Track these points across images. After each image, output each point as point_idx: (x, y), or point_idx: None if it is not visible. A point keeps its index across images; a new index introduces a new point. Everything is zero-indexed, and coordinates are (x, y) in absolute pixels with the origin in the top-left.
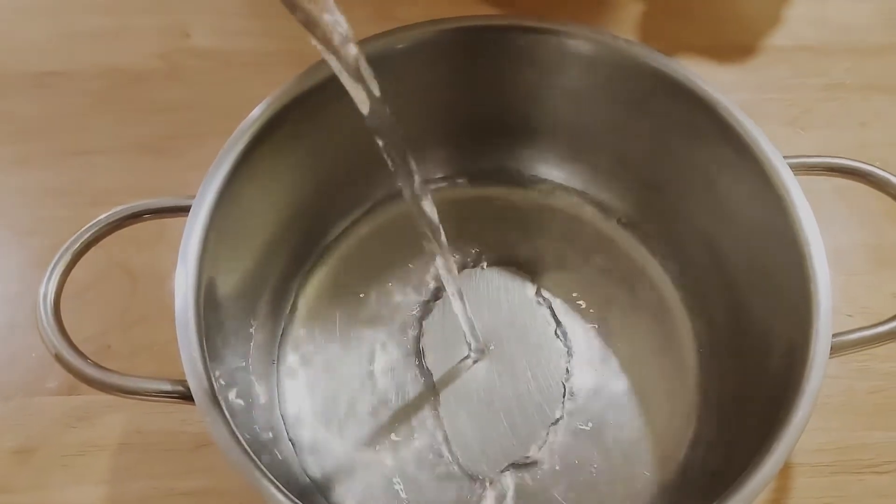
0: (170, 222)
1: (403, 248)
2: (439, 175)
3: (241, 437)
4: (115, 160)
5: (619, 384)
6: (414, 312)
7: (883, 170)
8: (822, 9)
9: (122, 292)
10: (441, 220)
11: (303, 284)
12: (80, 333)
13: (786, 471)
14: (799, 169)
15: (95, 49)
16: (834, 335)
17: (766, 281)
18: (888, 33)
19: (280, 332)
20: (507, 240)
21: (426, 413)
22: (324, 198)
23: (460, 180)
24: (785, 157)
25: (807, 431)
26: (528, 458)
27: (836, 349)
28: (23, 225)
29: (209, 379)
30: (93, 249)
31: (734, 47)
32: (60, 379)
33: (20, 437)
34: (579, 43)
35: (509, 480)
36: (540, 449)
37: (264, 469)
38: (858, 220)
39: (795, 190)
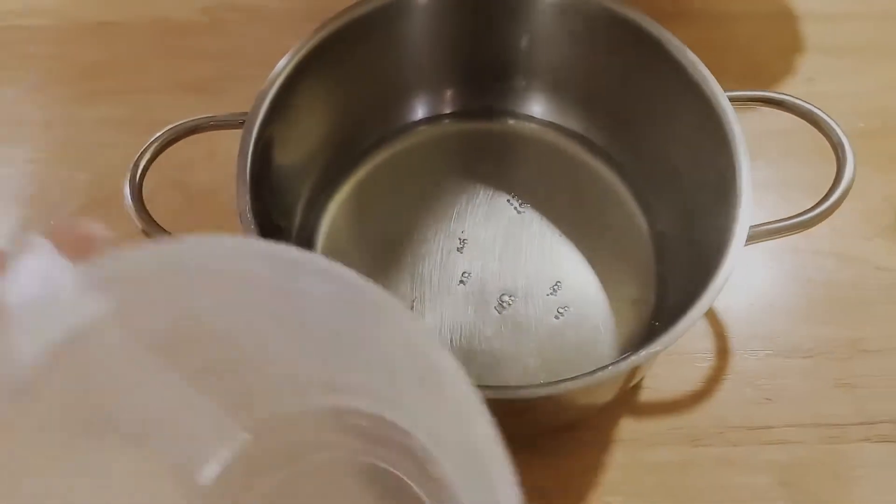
0: (218, 144)
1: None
2: (446, 111)
3: None
4: (166, 98)
5: (590, 276)
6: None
7: (803, 100)
8: None
9: (178, 203)
10: (449, 148)
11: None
12: None
13: (724, 354)
14: (735, 100)
15: (147, 2)
16: (751, 227)
17: (707, 188)
18: None
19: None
20: (499, 162)
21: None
22: (356, 119)
23: (461, 115)
24: (725, 91)
25: (750, 326)
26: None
27: (751, 237)
28: (94, 145)
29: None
30: (150, 169)
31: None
32: None
33: None
34: None
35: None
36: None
37: None
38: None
39: (732, 117)
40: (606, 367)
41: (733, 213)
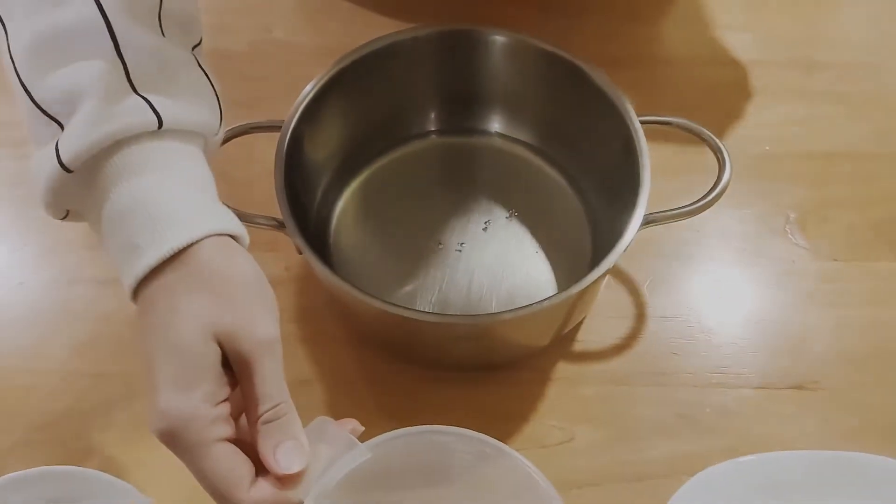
0: (255, 148)
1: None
2: (432, 128)
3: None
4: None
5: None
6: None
7: (691, 121)
8: None
9: (223, 191)
10: (433, 157)
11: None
12: None
13: (642, 318)
14: (644, 122)
15: (207, 35)
16: (648, 213)
17: (624, 184)
18: None
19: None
20: (471, 166)
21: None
22: (364, 132)
23: (443, 132)
24: (638, 114)
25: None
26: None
27: (650, 220)
28: None
29: (294, 218)
30: None
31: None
32: None
33: None
34: (504, 39)
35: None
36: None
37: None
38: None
39: (640, 132)
40: (541, 301)
41: (637, 202)
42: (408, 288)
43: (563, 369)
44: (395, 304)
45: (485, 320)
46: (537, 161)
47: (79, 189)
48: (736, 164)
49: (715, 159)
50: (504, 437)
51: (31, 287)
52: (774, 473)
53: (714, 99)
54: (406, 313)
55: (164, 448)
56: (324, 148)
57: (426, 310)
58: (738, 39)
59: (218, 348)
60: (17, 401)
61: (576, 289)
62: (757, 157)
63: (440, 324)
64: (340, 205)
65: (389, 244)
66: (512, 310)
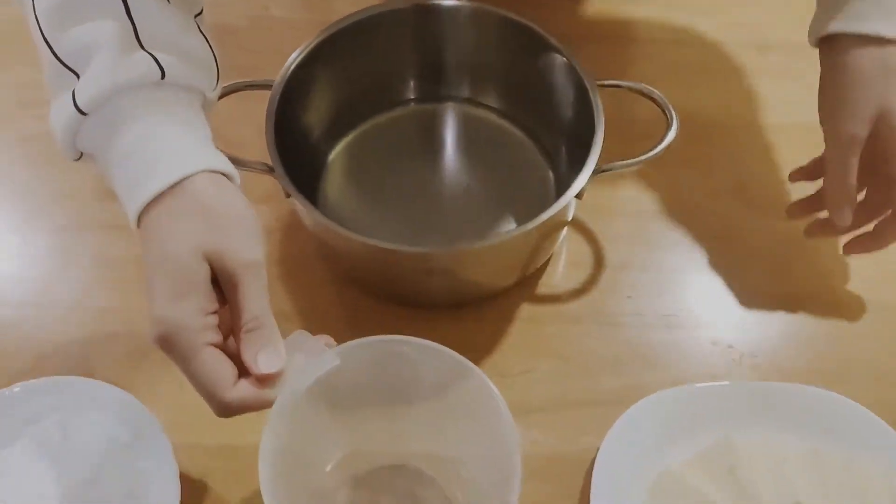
0: (250, 109)
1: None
2: (410, 96)
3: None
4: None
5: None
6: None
7: (648, 86)
8: None
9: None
10: (411, 122)
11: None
12: None
13: (600, 267)
14: (600, 85)
15: (209, 10)
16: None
17: (580, 137)
18: None
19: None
20: (444, 130)
21: None
22: (349, 97)
23: (419, 99)
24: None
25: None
26: None
27: (601, 169)
28: None
29: (284, 164)
30: None
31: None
32: None
33: None
34: (469, 9)
35: None
36: None
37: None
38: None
39: (595, 92)
40: (504, 233)
41: (591, 154)
42: (386, 234)
43: (526, 310)
44: (369, 237)
45: (452, 251)
46: (504, 123)
47: (91, 131)
48: (690, 131)
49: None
50: None
51: (46, 231)
52: (707, 401)
53: (673, 73)
54: (380, 244)
55: (160, 372)
56: (311, 108)
57: None
58: (701, 23)
59: (208, 267)
60: (27, 331)
61: (532, 224)
62: (708, 126)
63: (411, 254)
64: (328, 164)
65: (372, 198)
66: (477, 242)
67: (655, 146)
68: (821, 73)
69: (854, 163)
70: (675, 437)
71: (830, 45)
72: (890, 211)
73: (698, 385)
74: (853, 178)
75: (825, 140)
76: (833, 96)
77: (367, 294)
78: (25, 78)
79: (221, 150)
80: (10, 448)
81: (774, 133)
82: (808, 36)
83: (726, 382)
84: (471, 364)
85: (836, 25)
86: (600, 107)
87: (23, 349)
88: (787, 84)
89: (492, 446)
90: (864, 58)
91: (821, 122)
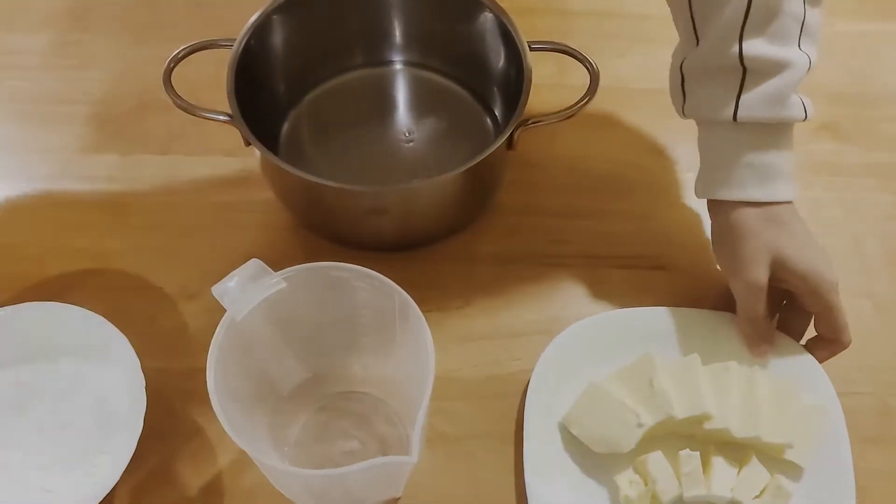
0: (217, 71)
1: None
2: (358, 62)
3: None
4: (190, 38)
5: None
6: None
7: (576, 49)
8: None
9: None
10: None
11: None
12: None
13: (531, 211)
14: (532, 48)
15: None
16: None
17: (513, 91)
18: None
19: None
20: (394, 91)
21: None
22: (303, 62)
23: (369, 64)
24: (528, 41)
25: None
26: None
27: (531, 122)
28: (150, 51)
29: (245, 116)
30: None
31: None
32: None
33: None
34: None
35: None
36: None
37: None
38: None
39: (527, 53)
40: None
41: (519, 106)
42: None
43: (465, 252)
44: (315, 177)
45: (395, 189)
46: (449, 84)
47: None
48: (621, 96)
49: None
50: None
51: (36, 179)
52: (630, 325)
53: (604, 41)
54: (330, 183)
55: (131, 304)
56: (270, 68)
57: None
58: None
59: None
60: (12, 266)
61: (465, 167)
62: (641, 91)
63: (358, 192)
64: (286, 121)
65: (326, 150)
66: (416, 182)
67: (580, 100)
68: (712, 227)
69: (762, 307)
70: (601, 357)
71: (718, 204)
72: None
73: (621, 310)
74: (764, 320)
75: (731, 288)
76: (729, 252)
77: (322, 237)
78: (11, 44)
79: (185, 102)
80: None
81: None
82: (695, 191)
83: (647, 307)
84: (395, 286)
85: (722, 192)
86: (530, 66)
87: (10, 280)
88: None
89: (420, 364)
90: (749, 215)
91: (723, 272)
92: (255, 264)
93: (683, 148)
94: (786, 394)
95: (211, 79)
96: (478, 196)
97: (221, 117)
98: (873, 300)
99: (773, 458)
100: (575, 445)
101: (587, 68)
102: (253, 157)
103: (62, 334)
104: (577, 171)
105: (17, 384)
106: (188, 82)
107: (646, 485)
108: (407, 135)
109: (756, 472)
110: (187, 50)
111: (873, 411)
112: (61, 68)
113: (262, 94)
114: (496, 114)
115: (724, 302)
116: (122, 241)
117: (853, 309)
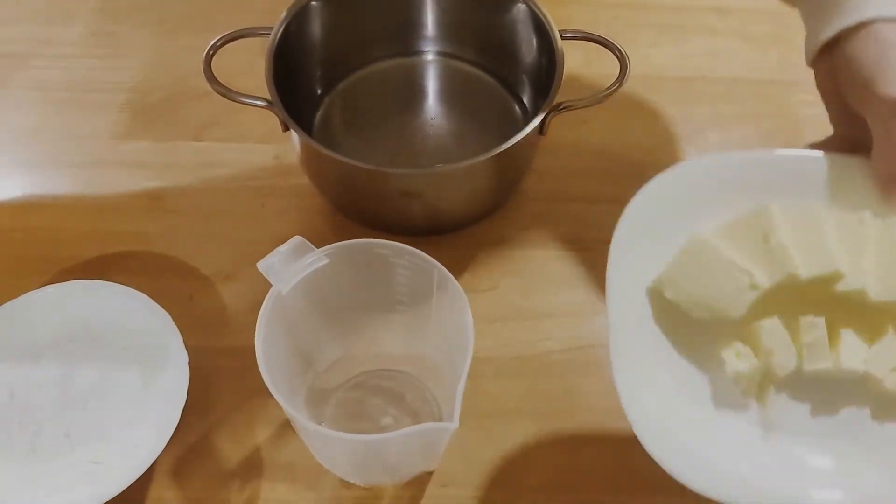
0: (256, 61)
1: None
2: (395, 52)
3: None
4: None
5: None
6: None
7: (597, 33)
8: None
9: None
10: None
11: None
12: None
13: (562, 197)
14: (563, 37)
15: None
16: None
17: (544, 81)
18: None
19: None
20: (426, 81)
21: None
22: (340, 49)
23: (409, 53)
24: (559, 30)
25: None
26: None
27: (565, 108)
28: (183, 40)
29: (282, 102)
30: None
31: None
32: None
33: None
34: None
35: None
36: None
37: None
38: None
39: (559, 42)
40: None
41: (551, 92)
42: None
43: (492, 236)
44: (349, 159)
45: (427, 172)
46: (481, 74)
47: None
48: (651, 85)
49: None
50: None
51: (72, 165)
52: (742, 172)
53: (635, 32)
54: (363, 165)
55: (170, 284)
56: (306, 56)
57: None
58: None
59: None
60: (51, 250)
61: (496, 151)
62: (671, 79)
63: (390, 175)
64: (321, 108)
65: (360, 137)
66: (448, 166)
67: (612, 86)
68: (836, 71)
69: None
70: (704, 209)
71: (844, 38)
72: None
73: (728, 154)
74: None
75: (870, 122)
76: (864, 74)
77: (355, 221)
78: (47, 34)
79: (225, 89)
80: (45, 339)
81: (725, 85)
82: (808, 49)
83: (766, 150)
84: (434, 260)
85: (852, 17)
86: (562, 51)
87: (49, 263)
88: (740, 43)
89: (454, 338)
90: (885, 30)
91: (854, 108)
92: (297, 241)
93: (713, 134)
94: None
95: (243, 67)
96: (508, 181)
97: (260, 103)
98: None
99: None
100: (669, 315)
101: (616, 55)
102: (285, 144)
103: (105, 311)
104: (605, 157)
105: (62, 360)
106: (220, 71)
107: (757, 358)
108: (436, 121)
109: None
110: (226, 38)
111: None
112: (96, 57)
113: (297, 81)
114: (524, 102)
115: (846, 145)
116: (159, 224)
117: None
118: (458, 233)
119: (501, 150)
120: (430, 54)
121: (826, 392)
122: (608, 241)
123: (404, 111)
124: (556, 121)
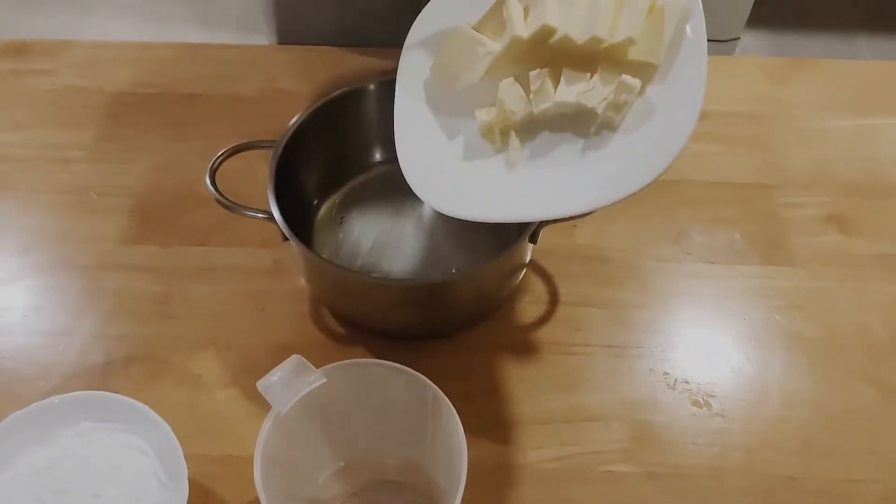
0: (256, 168)
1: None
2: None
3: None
4: (232, 139)
5: None
6: None
7: None
8: None
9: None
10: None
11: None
12: None
13: (554, 303)
14: None
15: (223, 84)
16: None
17: None
18: None
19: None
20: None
21: None
22: (337, 158)
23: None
24: None
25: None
26: None
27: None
28: (189, 145)
29: (282, 212)
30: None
31: None
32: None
33: None
34: None
35: None
36: None
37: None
38: None
39: None
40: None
41: None
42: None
43: (489, 341)
44: (349, 269)
45: (420, 282)
46: None
47: None
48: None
49: None
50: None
51: (75, 269)
52: None
53: None
54: (360, 276)
55: (172, 390)
56: (306, 166)
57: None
58: None
59: None
60: (57, 356)
61: (489, 264)
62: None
63: (385, 285)
64: (317, 217)
65: (354, 244)
66: (442, 277)
67: None
68: None
69: None
70: (474, 7)
71: None
72: None
73: None
74: None
75: None
76: None
77: (353, 327)
78: (58, 139)
79: (228, 201)
80: (41, 450)
81: (708, 189)
82: None
83: None
84: (428, 381)
85: None
86: None
87: (53, 370)
88: (716, 147)
89: (449, 454)
90: None
91: None
92: (296, 360)
93: (698, 237)
94: None
95: (242, 172)
96: (501, 289)
97: (261, 216)
98: (879, 386)
99: (626, 64)
100: (442, 92)
101: None
102: (285, 249)
103: (106, 421)
104: (595, 260)
105: (61, 469)
106: (223, 175)
107: (497, 110)
108: (430, 226)
109: (604, 79)
110: (230, 151)
111: (879, 498)
112: (105, 161)
113: (298, 189)
114: None
115: None
116: (162, 329)
117: (859, 395)
118: (454, 337)
119: (493, 263)
120: None
121: (556, 129)
122: (601, 346)
123: (396, 217)
124: (546, 228)
